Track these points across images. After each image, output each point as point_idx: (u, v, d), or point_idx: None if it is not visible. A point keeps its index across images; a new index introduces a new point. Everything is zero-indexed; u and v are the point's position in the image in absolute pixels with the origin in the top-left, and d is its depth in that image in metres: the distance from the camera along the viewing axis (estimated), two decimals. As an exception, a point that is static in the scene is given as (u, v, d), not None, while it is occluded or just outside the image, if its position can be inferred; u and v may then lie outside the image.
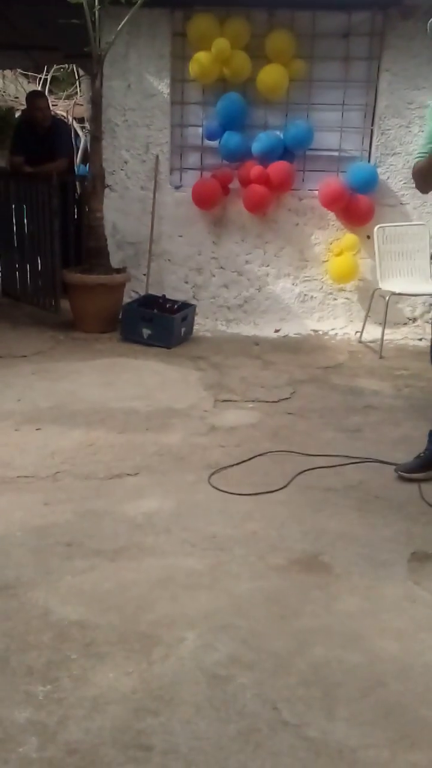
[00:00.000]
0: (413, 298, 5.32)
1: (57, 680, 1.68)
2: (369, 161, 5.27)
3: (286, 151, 5.13)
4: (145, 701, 1.62)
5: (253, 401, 3.74)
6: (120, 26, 4.54)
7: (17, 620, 1.89)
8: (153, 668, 1.73)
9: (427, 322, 5.40)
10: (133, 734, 1.52)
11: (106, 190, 5.12)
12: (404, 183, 5.27)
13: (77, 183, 6.03)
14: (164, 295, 5.15)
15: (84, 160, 8.66)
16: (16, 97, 10.72)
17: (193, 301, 5.34)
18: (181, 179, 5.46)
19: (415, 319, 5.50)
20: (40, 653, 1.77)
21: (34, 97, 6.02)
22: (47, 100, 6.36)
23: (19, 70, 10.50)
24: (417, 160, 2.80)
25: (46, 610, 1.94)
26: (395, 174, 5.26)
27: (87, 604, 1.97)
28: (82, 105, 9.98)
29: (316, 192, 5.24)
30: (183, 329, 4.90)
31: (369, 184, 5.13)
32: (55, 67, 10.62)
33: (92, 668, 1.72)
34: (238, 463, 2.95)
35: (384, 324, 4.83)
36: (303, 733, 1.54)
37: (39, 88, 10.15)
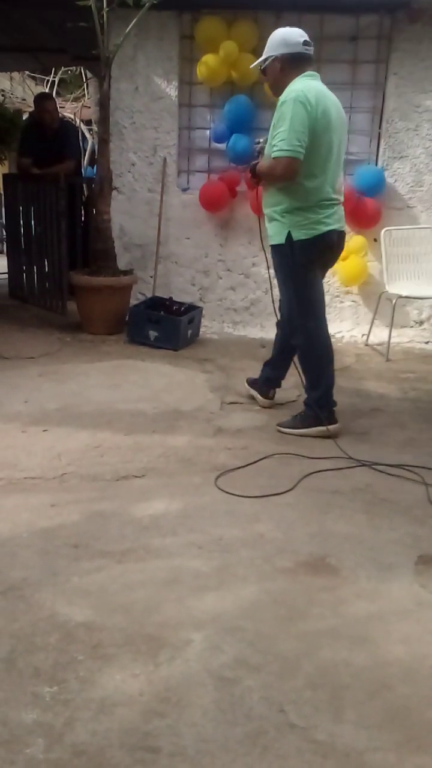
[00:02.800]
0: (420, 301, 5.32)
1: (64, 682, 1.68)
2: (376, 164, 5.27)
3: (293, 154, 5.13)
4: (152, 703, 1.62)
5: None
6: (128, 29, 4.55)
7: (24, 621, 1.89)
8: (160, 670, 1.73)
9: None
10: (140, 736, 1.52)
11: (114, 192, 5.14)
12: (411, 186, 5.27)
13: (84, 185, 6.06)
14: (171, 298, 5.17)
15: (91, 162, 8.70)
16: (24, 99, 10.77)
17: (199, 304, 5.35)
18: (188, 182, 5.47)
19: (422, 322, 5.49)
20: (46, 654, 1.77)
21: (41, 99, 6.05)
22: (55, 102, 6.39)
23: (26, 73, 10.55)
24: (292, 155, 2.97)
25: (53, 611, 1.94)
26: (402, 177, 5.26)
27: (94, 605, 1.97)
28: (89, 107, 10.04)
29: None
30: (189, 331, 4.91)
31: (376, 187, 5.14)
32: (62, 69, 10.67)
33: (99, 670, 1.72)
34: (244, 466, 2.95)
35: (391, 327, 4.82)
36: (310, 736, 1.54)
37: (47, 91, 10.19)
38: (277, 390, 3.77)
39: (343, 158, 3.28)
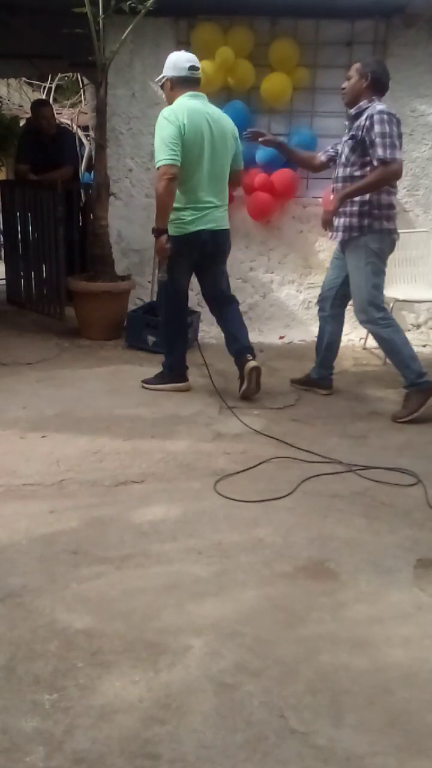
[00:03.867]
0: (417, 304, 5.33)
1: (64, 689, 1.68)
2: (372, 168, 5.28)
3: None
4: (152, 710, 1.62)
5: (258, 408, 3.74)
6: (124, 35, 4.57)
7: (23, 628, 1.89)
8: (160, 676, 1.72)
9: (431, 329, 5.41)
10: (141, 743, 1.52)
11: (111, 198, 5.14)
12: (407, 190, 5.28)
13: (82, 191, 6.07)
14: (169, 302, 5.16)
15: (89, 168, 8.70)
16: (21, 106, 10.79)
17: (197, 308, 5.34)
18: (185, 187, 5.47)
19: (419, 326, 5.50)
20: (46, 662, 1.77)
21: (38, 105, 6.06)
22: (52, 108, 6.40)
23: (23, 79, 10.57)
24: (167, 162, 3.45)
25: (52, 618, 1.94)
26: (399, 181, 5.26)
27: (93, 612, 1.97)
28: (86, 113, 10.04)
29: (320, 199, 5.25)
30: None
31: (372, 191, 5.14)
32: (59, 75, 10.68)
33: (99, 677, 1.72)
34: (243, 470, 2.95)
35: (388, 330, 4.82)
36: (310, 741, 1.54)
37: (43, 97, 10.21)
38: (277, 396, 3.79)
39: (224, 168, 3.73)
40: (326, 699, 1.67)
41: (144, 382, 4.01)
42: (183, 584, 2.11)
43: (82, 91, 10.82)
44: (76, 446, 3.14)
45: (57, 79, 10.94)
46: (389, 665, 1.79)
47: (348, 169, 3.66)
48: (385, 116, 3.45)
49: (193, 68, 3.60)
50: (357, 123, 3.57)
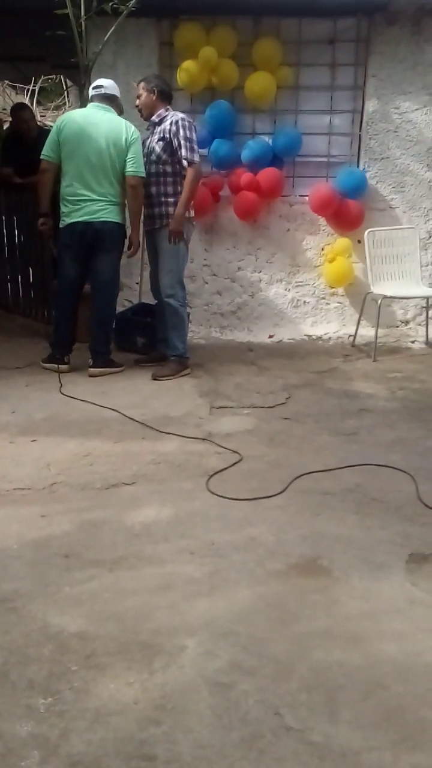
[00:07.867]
0: (405, 300, 5.35)
1: (58, 693, 1.67)
2: (358, 166, 5.30)
3: (275, 158, 5.15)
4: (147, 711, 1.61)
5: (248, 407, 3.75)
6: (107, 36, 4.56)
7: (16, 633, 1.88)
8: (154, 678, 1.72)
9: (420, 325, 5.43)
10: (136, 745, 1.52)
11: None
12: (393, 187, 5.30)
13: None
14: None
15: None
16: (4, 109, 10.73)
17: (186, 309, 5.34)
18: (171, 187, 5.45)
19: (407, 322, 5.52)
20: (40, 666, 1.76)
21: (17, 109, 6.04)
22: (31, 111, 6.38)
23: (6, 82, 10.52)
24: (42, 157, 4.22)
25: (45, 622, 1.93)
26: (384, 178, 5.29)
27: (86, 615, 1.96)
28: (70, 115, 9.97)
29: (306, 198, 5.26)
30: (176, 337, 4.89)
31: (358, 188, 5.16)
32: (42, 77, 10.64)
33: (93, 679, 1.71)
34: (234, 464, 2.94)
35: (377, 327, 4.85)
36: (306, 738, 1.54)
37: (26, 100, 10.17)
38: (267, 395, 3.78)
39: (105, 163, 4.11)
40: (321, 695, 1.67)
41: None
42: (176, 585, 2.11)
43: (66, 93, 10.78)
44: (67, 450, 3.13)
45: (40, 81, 10.90)
46: (383, 660, 1.80)
47: (160, 166, 4.21)
48: (187, 123, 4.15)
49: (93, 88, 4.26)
50: (162, 127, 4.18)
